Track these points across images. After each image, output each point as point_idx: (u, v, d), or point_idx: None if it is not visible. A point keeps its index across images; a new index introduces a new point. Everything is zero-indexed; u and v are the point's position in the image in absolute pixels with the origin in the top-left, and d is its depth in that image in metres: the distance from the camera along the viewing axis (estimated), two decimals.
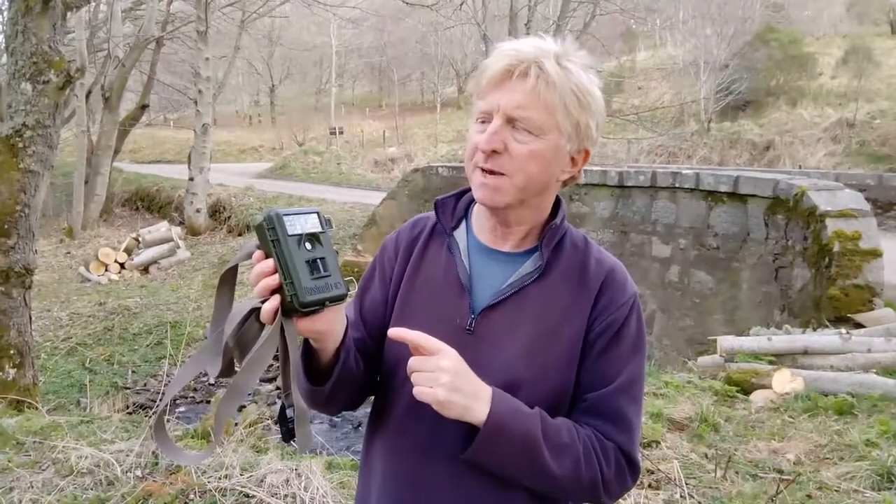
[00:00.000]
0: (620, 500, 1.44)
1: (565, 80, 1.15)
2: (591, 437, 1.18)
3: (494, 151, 1.16)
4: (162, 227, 15.56)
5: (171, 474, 3.47)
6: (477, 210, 1.32)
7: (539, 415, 1.15)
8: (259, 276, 1.03)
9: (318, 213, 1.07)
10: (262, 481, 3.44)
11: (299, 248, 1.02)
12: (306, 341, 1.15)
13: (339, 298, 1.06)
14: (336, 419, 6.90)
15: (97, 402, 6.84)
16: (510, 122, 1.16)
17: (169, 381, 7.09)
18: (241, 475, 3.45)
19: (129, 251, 14.49)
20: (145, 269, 14.28)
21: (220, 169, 23.71)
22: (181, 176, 18.24)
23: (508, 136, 1.16)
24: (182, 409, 7.44)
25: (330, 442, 6.18)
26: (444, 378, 1.07)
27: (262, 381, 7.68)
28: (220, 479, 3.42)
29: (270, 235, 1.02)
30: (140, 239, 14.90)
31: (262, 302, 1.03)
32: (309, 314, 1.04)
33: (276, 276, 1.02)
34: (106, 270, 13.84)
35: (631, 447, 1.20)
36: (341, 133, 32.87)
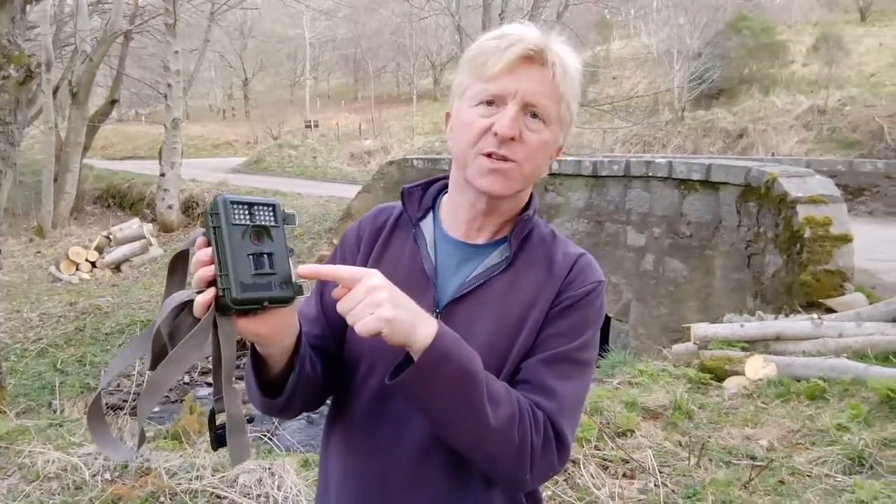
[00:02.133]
0: (543, 484, 1.33)
1: (575, 72, 1.16)
2: (523, 399, 1.11)
3: (512, 138, 1.13)
4: (133, 225, 15.32)
5: (140, 477, 3.41)
6: (449, 202, 1.28)
7: (478, 357, 1.07)
8: (197, 265, 0.95)
9: (275, 205, 0.97)
10: (234, 482, 3.40)
11: (243, 240, 0.93)
12: (253, 347, 1.08)
13: (283, 300, 0.96)
14: (313, 415, 6.84)
15: (68, 404, 6.72)
16: (525, 108, 1.13)
17: (142, 383, 7.01)
18: (212, 476, 3.41)
19: (100, 249, 14.24)
20: (117, 267, 14.05)
21: (193, 164, 23.42)
22: (153, 172, 17.97)
23: (522, 122, 1.13)
24: (156, 409, 7.34)
25: (308, 439, 6.14)
26: (381, 295, 0.98)
27: (237, 378, 7.58)
28: (191, 480, 3.37)
29: (212, 221, 0.93)
30: (111, 237, 14.65)
31: (199, 293, 0.95)
32: (246, 313, 0.95)
33: (213, 266, 0.93)
34: (77, 269, 13.59)
35: (560, 419, 1.11)
36: (316, 126, 32.63)
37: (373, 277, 1.00)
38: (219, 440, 1.03)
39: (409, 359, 1.03)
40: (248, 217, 0.94)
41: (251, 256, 0.93)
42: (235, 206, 0.94)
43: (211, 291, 0.94)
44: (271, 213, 0.96)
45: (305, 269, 1.00)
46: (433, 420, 1.08)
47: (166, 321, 0.97)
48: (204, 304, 0.94)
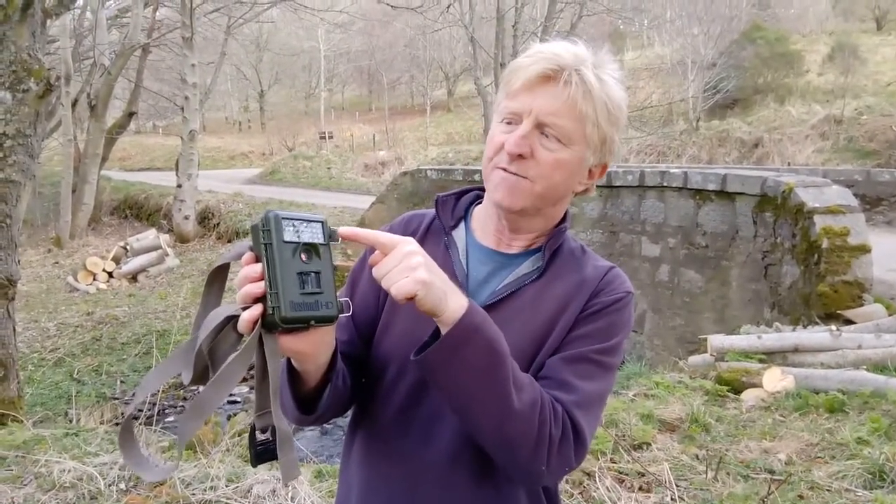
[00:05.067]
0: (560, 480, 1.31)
1: (601, 92, 1.14)
2: (543, 391, 1.10)
3: (520, 156, 1.13)
4: (150, 235, 15.46)
5: (155, 487, 3.42)
6: (480, 211, 1.30)
7: (504, 339, 1.06)
8: (244, 280, 0.94)
9: (323, 222, 0.97)
10: (248, 492, 3.40)
11: (293, 258, 0.92)
12: (289, 361, 1.08)
13: (328, 319, 0.96)
14: (327, 425, 6.84)
15: (84, 414, 6.77)
16: (540, 127, 1.14)
17: (156, 392, 7.04)
18: (226, 486, 3.41)
19: (117, 260, 14.38)
20: (134, 277, 14.17)
21: (209, 175, 23.62)
22: (170, 183, 18.14)
23: (536, 141, 1.14)
24: (171, 418, 7.37)
25: (322, 449, 6.13)
26: (416, 259, 0.98)
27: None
28: (205, 490, 3.38)
29: (263, 238, 0.92)
30: (128, 247, 14.79)
31: (244, 310, 0.94)
32: (291, 331, 0.95)
33: (262, 283, 0.92)
34: (94, 279, 13.72)
35: (578, 413, 1.10)
36: (331, 137, 32.84)
37: (410, 244, 1.00)
38: (260, 456, 1.02)
39: (435, 337, 1.03)
40: (297, 234, 0.94)
41: (300, 275, 0.93)
42: (287, 222, 0.94)
43: (258, 308, 0.93)
44: (320, 231, 0.97)
45: (345, 231, 1.00)
46: (456, 399, 1.06)
47: (209, 337, 0.96)
48: (251, 321, 0.93)
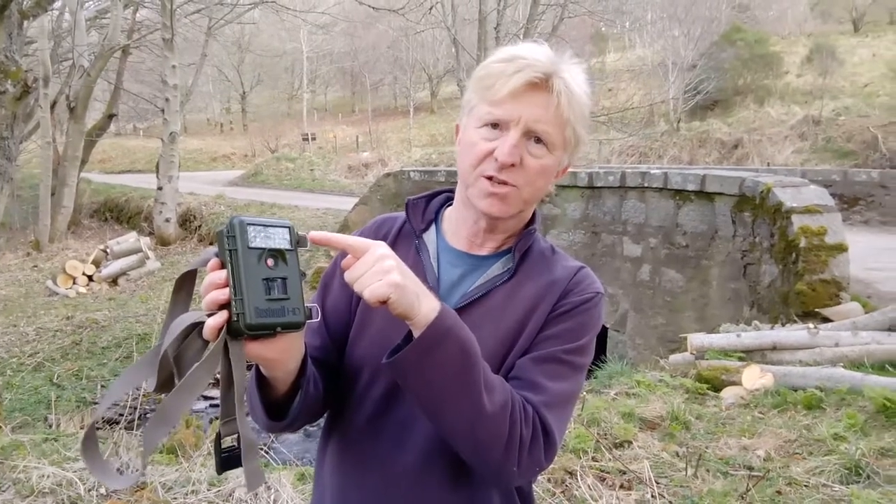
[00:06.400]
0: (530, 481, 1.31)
1: (579, 97, 1.16)
2: (514, 392, 1.11)
3: (511, 164, 1.14)
4: (131, 238, 15.31)
5: (136, 491, 3.39)
6: (452, 214, 1.30)
7: (476, 341, 1.06)
8: (209, 287, 0.93)
9: (290, 227, 0.96)
10: (230, 496, 3.38)
11: (258, 264, 0.91)
12: (257, 367, 1.07)
13: (295, 326, 0.95)
14: (310, 428, 6.82)
15: (64, 419, 6.71)
16: (528, 134, 1.14)
17: (137, 396, 6.97)
18: (208, 490, 3.39)
19: (97, 263, 14.22)
20: (114, 280, 14.03)
21: (191, 177, 23.46)
22: (151, 185, 18.00)
23: (524, 149, 1.15)
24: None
25: (305, 453, 6.11)
26: (388, 263, 0.98)
27: None
28: (186, 495, 3.36)
29: (228, 244, 0.91)
30: (108, 250, 14.64)
31: (209, 316, 0.93)
32: (257, 338, 0.94)
33: (227, 290, 0.91)
34: (74, 283, 13.57)
35: (547, 414, 1.11)
36: (314, 139, 32.72)
37: (381, 247, 1.01)
38: (224, 463, 1.01)
39: (407, 340, 1.04)
40: (263, 240, 0.93)
41: (265, 281, 0.92)
42: (253, 227, 0.93)
43: (223, 315, 0.92)
44: (286, 236, 0.96)
45: (317, 235, 1.00)
46: (427, 402, 1.06)
47: (174, 343, 0.95)
48: (216, 328, 0.93)
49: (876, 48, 25.38)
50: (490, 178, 1.16)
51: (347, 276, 1.00)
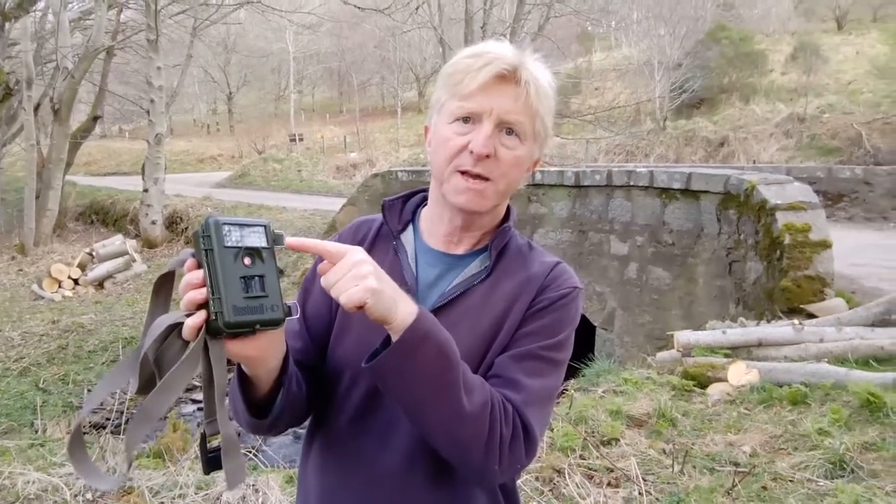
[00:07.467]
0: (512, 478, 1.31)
1: (545, 89, 1.18)
2: (494, 391, 1.11)
3: (487, 156, 1.14)
4: (116, 241, 15.19)
5: (122, 496, 3.37)
6: (428, 214, 1.30)
7: (454, 343, 1.07)
8: (186, 287, 0.94)
9: (266, 226, 0.97)
10: (217, 500, 3.37)
11: (235, 262, 0.92)
12: (240, 366, 1.07)
13: (274, 323, 0.96)
14: (299, 430, 6.78)
15: (51, 424, 6.66)
16: (500, 126, 1.15)
17: (123, 400, 6.93)
18: (195, 494, 3.38)
19: (83, 266, 14.11)
20: (100, 284, 13.92)
21: (177, 179, 23.33)
22: (137, 188, 17.87)
23: (497, 140, 1.15)
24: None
25: (293, 455, 6.08)
26: (365, 268, 0.99)
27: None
28: (173, 499, 3.35)
29: (204, 244, 0.92)
30: (94, 253, 14.52)
31: (188, 316, 0.94)
32: (237, 336, 0.95)
33: (204, 289, 0.92)
34: (59, 287, 13.45)
35: (527, 412, 1.11)
36: (301, 140, 32.63)
37: (358, 253, 1.01)
38: (211, 463, 1.01)
39: (385, 344, 1.04)
40: (239, 239, 0.94)
41: (243, 279, 0.93)
42: (228, 227, 0.93)
43: (202, 314, 0.93)
44: (262, 234, 0.96)
45: (293, 241, 1.00)
46: (408, 404, 1.07)
47: (154, 345, 0.95)
48: (194, 328, 0.93)
49: (859, 46, 25.60)
50: (464, 174, 1.16)
51: (324, 281, 1.01)
